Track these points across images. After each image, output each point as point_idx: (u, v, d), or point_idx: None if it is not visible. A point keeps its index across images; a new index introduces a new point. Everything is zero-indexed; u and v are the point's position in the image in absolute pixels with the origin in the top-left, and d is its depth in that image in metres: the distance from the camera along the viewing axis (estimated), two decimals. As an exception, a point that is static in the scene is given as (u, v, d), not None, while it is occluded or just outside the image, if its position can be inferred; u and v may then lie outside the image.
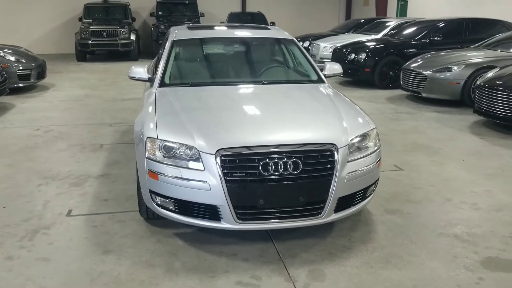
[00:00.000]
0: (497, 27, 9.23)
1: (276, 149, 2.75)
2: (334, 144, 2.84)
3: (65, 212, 3.52)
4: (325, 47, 10.66)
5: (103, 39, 13.36)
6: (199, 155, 2.76)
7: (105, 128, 6.07)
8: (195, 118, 3.10)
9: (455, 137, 5.63)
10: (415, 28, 9.75)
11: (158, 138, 2.89)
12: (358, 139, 3.01)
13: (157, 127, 2.97)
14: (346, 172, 2.84)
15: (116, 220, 3.37)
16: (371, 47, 9.30)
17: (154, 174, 2.85)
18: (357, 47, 9.45)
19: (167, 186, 2.82)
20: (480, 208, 3.59)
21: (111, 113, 6.97)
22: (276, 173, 2.71)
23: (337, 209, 2.89)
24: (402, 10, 16.03)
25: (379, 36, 10.51)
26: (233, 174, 2.70)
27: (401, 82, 8.03)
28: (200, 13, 15.61)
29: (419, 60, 7.87)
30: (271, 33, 4.63)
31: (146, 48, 15.51)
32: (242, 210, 2.74)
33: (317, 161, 2.78)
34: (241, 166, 2.71)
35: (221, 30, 4.97)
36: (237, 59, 4.50)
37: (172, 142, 2.85)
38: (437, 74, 7.29)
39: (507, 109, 5.57)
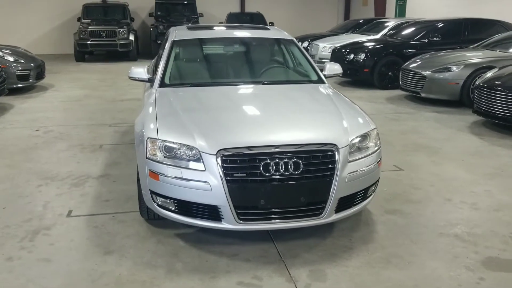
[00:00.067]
0: (495, 27, 9.26)
1: (276, 149, 2.76)
2: (334, 145, 2.85)
3: (66, 212, 3.51)
4: (324, 47, 10.67)
5: (102, 39, 13.34)
6: (200, 155, 2.77)
7: (105, 128, 6.07)
8: (195, 118, 3.11)
9: (454, 137, 5.64)
10: (414, 28, 9.77)
11: (159, 138, 2.89)
12: (358, 139, 3.01)
13: (158, 127, 2.97)
14: (347, 172, 2.85)
15: (117, 221, 3.37)
16: (370, 47, 9.31)
17: (154, 174, 2.85)
18: (356, 47, 9.46)
19: (168, 187, 2.82)
20: (480, 208, 3.60)
21: (110, 113, 6.96)
22: (277, 174, 2.71)
23: (338, 209, 2.90)
24: (400, 10, 16.06)
25: (378, 36, 10.52)
26: (234, 175, 2.70)
27: (400, 82, 8.04)
28: (199, 13, 15.60)
29: (418, 60, 7.88)
30: (271, 33, 4.64)
31: (145, 48, 15.49)
32: (243, 210, 2.75)
33: (318, 161, 2.78)
34: (242, 167, 2.71)
35: (221, 31, 4.97)
36: (237, 60, 4.50)
37: (173, 143, 2.86)
38: (436, 75, 7.31)
39: (506, 109, 5.58)
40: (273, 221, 2.79)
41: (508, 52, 7.47)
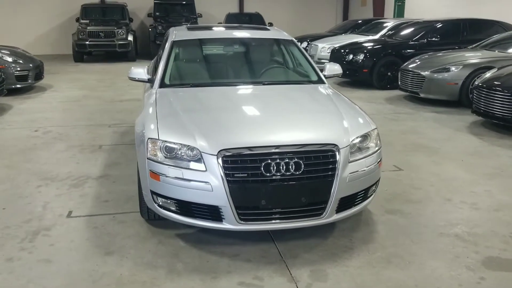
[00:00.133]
0: (494, 27, 9.28)
1: (277, 150, 2.76)
2: (335, 145, 2.85)
3: (66, 213, 3.51)
4: (323, 47, 10.68)
5: (100, 39, 13.33)
6: (201, 155, 2.76)
7: (104, 129, 6.06)
8: (196, 119, 3.10)
9: (453, 137, 5.65)
10: (412, 28, 9.78)
11: (160, 139, 2.89)
12: (359, 139, 3.02)
13: (158, 128, 2.97)
14: (348, 173, 2.85)
15: (117, 221, 3.36)
16: (369, 47, 9.33)
17: (155, 175, 2.85)
18: (355, 47, 9.47)
19: (169, 187, 2.82)
20: (480, 208, 3.61)
21: (109, 114, 6.95)
22: (278, 174, 2.71)
23: (339, 209, 2.90)
24: (399, 10, 16.08)
25: (377, 36, 10.54)
26: (235, 175, 2.70)
27: (399, 82, 8.05)
28: (198, 13, 15.60)
29: (417, 60, 7.89)
30: (271, 33, 4.64)
31: (144, 48, 15.48)
32: (244, 210, 2.75)
33: (318, 161, 2.79)
34: (243, 167, 2.71)
35: (221, 31, 4.97)
36: (237, 60, 4.50)
37: (174, 143, 2.85)
38: (435, 75, 7.32)
39: (505, 109, 5.60)
40: (274, 221, 2.79)
41: (507, 52, 7.48)
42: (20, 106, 7.39)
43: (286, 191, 2.75)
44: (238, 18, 15.76)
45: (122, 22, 14.30)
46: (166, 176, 2.81)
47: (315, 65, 4.24)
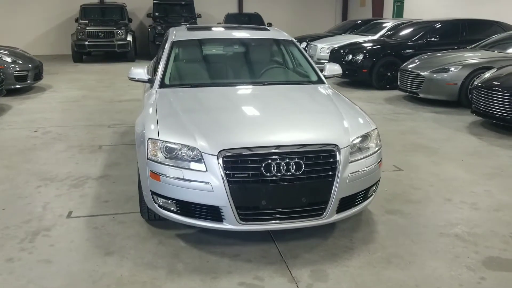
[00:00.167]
0: (493, 27, 9.30)
1: (278, 150, 2.76)
2: (335, 145, 2.85)
3: (66, 213, 3.50)
4: (323, 48, 10.69)
5: (99, 40, 13.32)
6: (201, 156, 2.76)
7: (104, 129, 6.05)
8: (196, 119, 3.10)
9: (453, 137, 5.65)
10: (412, 29, 9.80)
11: (160, 139, 2.89)
12: (359, 139, 3.02)
13: (159, 128, 2.97)
14: (348, 173, 2.85)
15: (117, 222, 3.36)
16: (368, 48, 9.33)
17: (155, 175, 2.85)
18: (355, 48, 9.48)
19: (169, 187, 2.82)
20: (480, 208, 3.61)
21: (109, 114, 6.95)
22: (279, 174, 2.71)
23: (339, 209, 2.90)
24: (398, 11, 16.10)
25: (376, 37, 10.55)
26: (236, 175, 2.70)
27: (399, 82, 8.06)
28: (197, 14, 15.60)
29: (416, 61, 7.90)
30: (271, 33, 4.64)
31: (143, 49, 15.47)
32: (245, 211, 2.75)
33: (319, 161, 2.79)
34: (244, 167, 2.71)
35: (221, 31, 4.97)
36: (237, 60, 4.50)
37: (174, 143, 2.85)
38: (435, 75, 7.33)
39: (504, 109, 5.60)
40: (274, 221, 2.79)
41: (506, 52, 7.49)
42: (19, 107, 7.38)
43: (286, 191, 2.75)
44: (237, 19, 15.76)
45: (121, 22, 14.29)
46: (167, 177, 2.80)
47: (315, 65, 4.25)
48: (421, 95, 7.54)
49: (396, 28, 10.34)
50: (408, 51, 9.02)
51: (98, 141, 5.46)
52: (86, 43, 13.24)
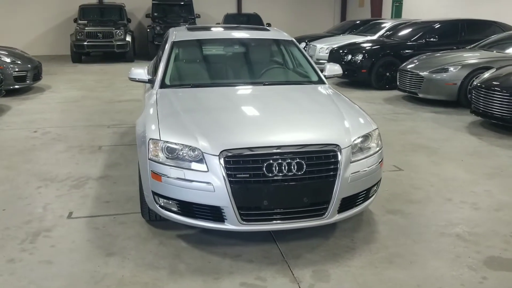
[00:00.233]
0: (492, 28, 9.32)
1: (278, 150, 2.76)
2: (337, 145, 2.85)
3: (66, 214, 3.50)
4: (322, 48, 10.69)
5: (98, 40, 13.30)
6: (203, 156, 2.76)
7: (103, 129, 6.05)
8: (197, 119, 3.10)
9: (453, 137, 5.66)
10: (411, 29, 9.81)
11: (161, 139, 2.88)
12: (360, 139, 3.02)
13: (160, 128, 2.97)
14: (350, 173, 2.85)
15: (118, 222, 3.35)
16: (367, 48, 9.34)
17: (157, 175, 2.85)
18: (354, 48, 9.49)
19: (170, 188, 2.81)
20: (480, 208, 3.62)
21: (108, 114, 6.94)
22: (280, 174, 2.71)
23: (341, 209, 2.90)
24: (397, 11, 16.12)
25: (375, 37, 10.56)
26: (237, 175, 2.70)
27: (398, 83, 8.07)
28: (196, 14, 15.59)
29: (416, 61, 7.91)
30: (271, 34, 4.64)
31: (142, 49, 15.47)
32: (246, 211, 2.74)
33: (320, 161, 2.79)
34: (245, 167, 2.71)
35: (221, 31, 4.96)
36: (238, 60, 4.50)
37: (175, 144, 2.85)
38: (434, 75, 7.34)
39: (504, 109, 5.61)
40: (276, 221, 2.79)
41: (505, 52, 7.51)
42: (18, 107, 7.36)
43: (288, 192, 2.75)
44: (236, 19, 15.75)
45: (120, 22, 14.28)
46: (168, 177, 2.80)
47: (315, 66, 4.25)
48: (420, 95, 7.55)
49: (395, 29, 10.36)
50: (407, 51, 9.04)
51: (98, 142, 5.46)
52: (85, 43, 13.23)
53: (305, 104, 3.57)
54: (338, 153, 2.82)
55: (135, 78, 3.96)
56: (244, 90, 3.88)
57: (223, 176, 2.68)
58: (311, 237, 3.10)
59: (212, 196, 2.72)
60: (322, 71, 4.22)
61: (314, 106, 3.50)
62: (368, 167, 2.98)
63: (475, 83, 6.26)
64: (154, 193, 2.92)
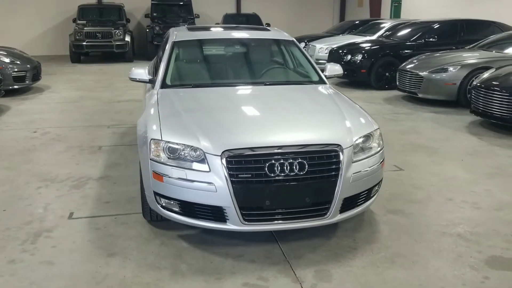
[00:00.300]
0: (491, 28, 9.34)
1: (280, 150, 2.75)
2: (339, 145, 2.85)
3: (67, 214, 3.49)
4: (321, 48, 10.70)
5: (97, 40, 13.29)
6: (205, 156, 2.76)
7: (103, 130, 6.04)
8: (198, 119, 3.10)
9: (452, 137, 5.67)
10: (410, 29, 9.83)
11: (162, 139, 2.88)
12: (362, 139, 3.02)
13: (161, 128, 2.96)
14: (351, 173, 2.85)
15: (119, 223, 3.35)
16: (367, 48, 9.35)
17: (158, 175, 2.84)
18: (353, 48, 9.49)
19: (172, 188, 2.81)
20: (481, 208, 3.62)
21: (108, 114, 6.93)
22: (282, 174, 2.71)
23: (342, 209, 2.90)
24: (396, 11, 16.14)
25: (374, 37, 10.57)
26: (239, 175, 2.69)
27: (397, 83, 8.08)
28: (195, 14, 15.58)
29: (415, 61, 7.92)
30: (272, 34, 4.64)
31: (141, 49, 15.46)
32: (248, 211, 2.74)
33: (322, 161, 2.79)
34: (247, 167, 2.71)
35: (222, 31, 4.96)
36: (239, 60, 4.50)
37: (177, 144, 2.84)
38: (433, 75, 7.35)
39: (503, 109, 5.62)
40: (278, 221, 2.79)
41: (504, 52, 7.53)
42: (18, 107, 7.35)
43: (290, 192, 2.74)
44: (236, 19, 15.76)
45: (119, 22, 14.26)
46: (169, 177, 2.80)
47: (316, 66, 4.25)
48: (420, 95, 7.56)
49: (394, 29, 10.37)
50: (406, 51, 9.05)
51: (98, 142, 5.45)
52: (84, 43, 13.21)
53: (307, 104, 3.57)
54: (340, 153, 2.82)
55: (135, 78, 3.95)
56: (245, 90, 3.88)
57: (225, 176, 2.68)
58: (313, 237, 3.10)
59: (214, 196, 2.71)
60: (322, 71, 4.22)
61: (315, 106, 3.50)
62: (370, 167, 2.98)
63: (474, 83, 6.28)
64: (156, 193, 2.91)
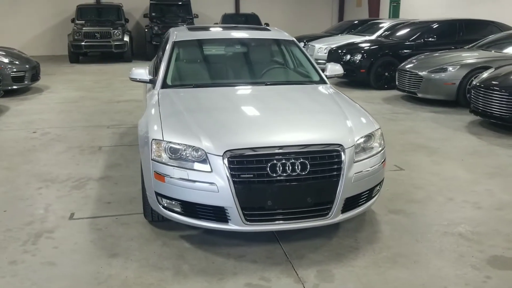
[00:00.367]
0: (489, 27, 9.36)
1: (281, 150, 2.75)
2: (340, 145, 2.85)
3: (68, 215, 3.48)
4: (320, 48, 10.70)
5: (96, 40, 13.27)
6: (206, 156, 2.75)
7: (103, 130, 6.03)
8: (200, 119, 3.09)
9: (452, 137, 5.68)
10: (409, 29, 9.84)
11: (164, 140, 2.87)
12: (363, 139, 3.02)
13: (163, 128, 2.96)
14: (353, 173, 2.85)
15: (120, 223, 3.34)
16: (366, 48, 9.36)
17: (160, 176, 2.84)
18: (352, 48, 9.50)
19: (174, 188, 2.81)
20: (482, 207, 3.63)
21: (107, 115, 6.91)
22: (284, 174, 2.71)
23: (344, 209, 2.90)
24: (394, 11, 16.16)
25: (373, 37, 10.58)
26: (241, 175, 2.69)
27: (397, 82, 8.09)
28: (194, 14, 15.57)
29: (414, 61, 7.93)
30: (272, 34, 4.64)
31: (140, 49, 15.43)
32: (250, 211, 2.74)
33: (324, 161, 2.79)
34: (249, 167, 2.71)
35: (222, 31, 4.96)
36: (239, 60, 4.50)
37: (178, 144, 2.84)
38: (433, 75, 7.35)
39: (503, 108, 5.63)
40: (280, 221, 2.79)
41: (503, 52, 7.54)
42: (17, 108, 7.33)
43: (292, 192, 2.74)
44: (234, 19, 15.75)
45: (118, 22, 14.24)
46: (171, 177, 2.79)
47: (316, 66, 4.25)
48: (419, 95, 7.57)
49: (393, 28, 10.38)
50: (405, 51, 9.06)
51: (98, 142, 5.44)
52: (83, 43, 13.19)
53: (308, 104, 3.57)
54: (342, 153, 2.82)
55: (136, 78, 3.95)
56: (246, 90, 3.88)
57: (227, 176, 2.68)
58: (315, 237, 3.10)
59: (216, 196, 2.71)
60: (323, 71, 4.23)
61: (316, 106, 3.50)
62: (371, 167, 2.98)
63: (474, 82, 6.29)
64: (157, 194, 2.91)
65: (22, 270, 2.73)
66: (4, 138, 5.60)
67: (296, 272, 2.72)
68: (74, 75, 11.12)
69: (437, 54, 8.00)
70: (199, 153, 2.78)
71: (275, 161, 2.70)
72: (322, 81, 4.07)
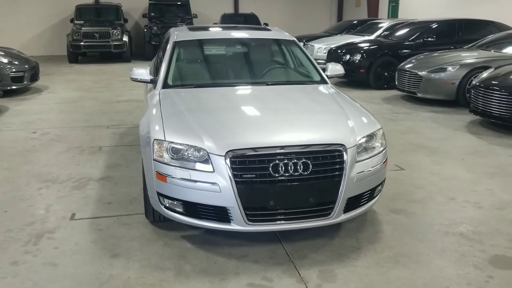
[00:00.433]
0: (488, 27, 9.37)
1: (283, 150, 2.75)
2: (342, 145, 2.85)
3: (69, 215, 3.47)
4: (320, 48, 10.71)
5: (95, 40, 13.25)
6: (208, 156, 2.75)
7: (103, 130, 6.02)
8: (201, 119, 3.09)
9: (452, 137, 5.68)
10: (408, 29, 9.85)
11: (166, 140, 2.87)
12: (365, 139, 3.02)
13: (164, 129, 2.95)
14: (355, 173, 2.85)
15: (122, 223, 3.33)
16: (365, 48, 9.36)
17: (162, 176, 2.83)
18: (352, 48, 9.51)
19: (176, 188, 2.80)
20: (483, 207, 3.63)
21: (107, 115, 6.90)
22: (286, 174, 2.71)
23: (346, 209, 2.90)
24: (393, 11, 16.18)
25: (372, 37, 10.59)
26: (243, 176, 2.69)
27: (396, 82, 8.09)
28: (193, 14, 15.56)
29: (414, 60, 7.94)
30: (273, 34, 4.64)
31: (139, 49, 15.41)
32: (252, 211, 2.74)
33: (326, 161, 2.78)
34: (251, 168, 2.70)
35: (223, 31, 4.95)
36: (240, 60, 4.49)
37: (180, 144, 2.84)
38: (432, 75, 7.36)
39: (503, 108, 5.64)
40: (282, 221, 2.78)
41: (502, 52, 7.56)
42: (16, 108, 7.31)
43: (294, 192, 2.74)
44: (233, 19, 15.75)
45: (117, 22, 14.23)
46: (173, 177, 2.79)
47: (317, 65, 4.25)
48: (419, 95, 7.58)
49: (392, 28, 10.39)
50: (405, 51, 9.07)
51: (98, 142, 5.43)
52: (82, 43, 13.17)
53: (309, 104, 3.57)
54: (344, 153, 2.82)
55: (137, 79, 3.94)
56: (247, 90, 3.87)
57: (229, 176, 2.67)
58: (316, 237, 3.10)
59: (218, 196, 2.71)
60: (323, 70, 4.23)
61: (317, 106, 3.50)
62: (373, 167, 2.98)
63: (474, 82, 6.29)
64: (159, 194, 2.90)
65: (24, 271, 2.73)
66: (4, 139, 5.59)
67: (298, 272, 2.72)
68: (73, 75, 11.10)
69: (436, 54, 8.01)
70: (201, 153, 2.78)
71: (277, 161, 2.70)
72: (323, 81, 4.07)
